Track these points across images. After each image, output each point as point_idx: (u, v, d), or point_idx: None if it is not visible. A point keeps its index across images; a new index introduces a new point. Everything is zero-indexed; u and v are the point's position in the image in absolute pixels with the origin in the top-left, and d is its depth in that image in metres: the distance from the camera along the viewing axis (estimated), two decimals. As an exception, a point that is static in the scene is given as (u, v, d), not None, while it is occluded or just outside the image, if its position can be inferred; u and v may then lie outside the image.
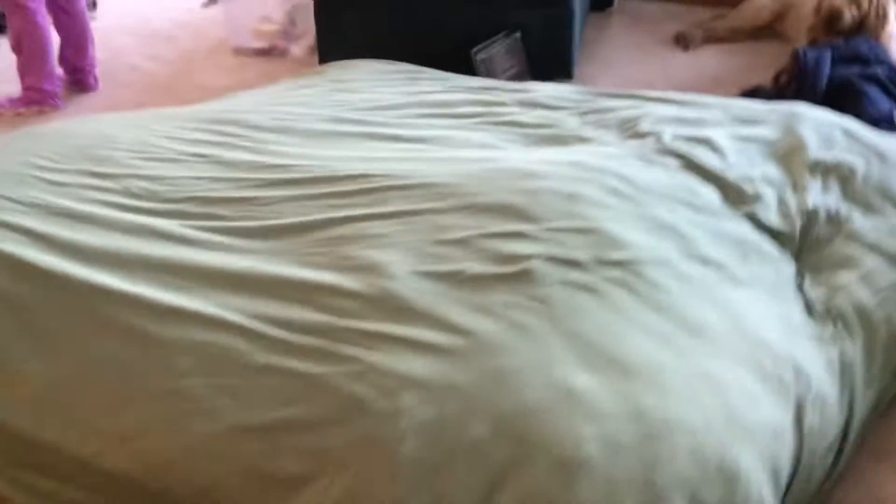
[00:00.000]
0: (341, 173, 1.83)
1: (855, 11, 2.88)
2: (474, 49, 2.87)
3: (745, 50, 3.26)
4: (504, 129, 2.16)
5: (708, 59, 3.22)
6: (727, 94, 2.92)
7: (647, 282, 1.45)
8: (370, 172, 1.82)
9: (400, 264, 1.49)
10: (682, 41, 3.33)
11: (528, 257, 1.48)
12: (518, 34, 3.00)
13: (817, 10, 3.01)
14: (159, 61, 3.42)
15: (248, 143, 1.94)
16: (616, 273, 1.46)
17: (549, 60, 3.09)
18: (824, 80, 2.50)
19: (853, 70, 2.55)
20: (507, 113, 2.26)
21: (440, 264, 1.49)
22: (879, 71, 2.56)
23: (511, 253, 1.50)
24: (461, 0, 3.04)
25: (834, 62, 2.59)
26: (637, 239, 1.57)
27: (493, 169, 1.79)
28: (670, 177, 1.87)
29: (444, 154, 1.94)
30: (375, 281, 1.45)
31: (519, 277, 1.45)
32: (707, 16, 3.48)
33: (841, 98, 2.50)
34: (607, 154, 1.94)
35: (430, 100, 2.36)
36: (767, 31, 3.33)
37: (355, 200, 1.74)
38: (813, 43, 2.95)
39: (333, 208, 1.72)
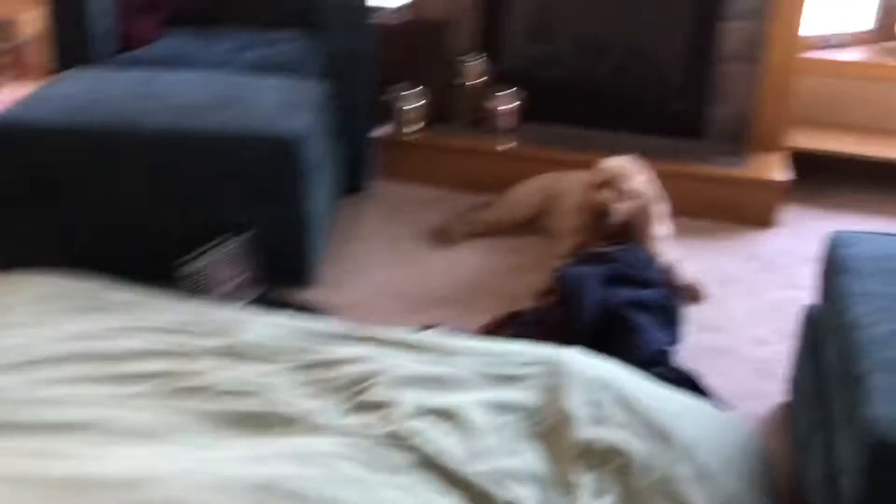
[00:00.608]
0: None
1: (624, 207, 2.63)
2: (182, 259, 2.32)
3: (508, 247, 2.93)
4: (187, 402, 1.61)
5: (468, 258, 2.86)
6: (488, 304, 2.55)
7: None
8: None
9: None
10: (442, 236, 2.96)
11: None
12: (245, 237, 2.49)
13: (582, 208, 2.74)
14: None
15: None
16: None
17: (285, 266, 2.60)
18: (590, 310, 2.16)
19: (623, 295, 2.23)
20: (197, 372, 1.71)
21: None
22: (650, 296, 2.26)
23: None
24: (173, 196, 2.50)
25: (601, 283, 2.27)
26: None
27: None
28: (402, 490, 1.38)
29: (72, 467, 1.35)
30: None
31: None
32: (468, 204, 3.15)
33: (611, 330, 2.16)
34: (317, 456, 1.42)
35: (99, 349, 1.78)
36: (533, 225, 3.03)
37: None
38: (579, 247, 2.66)
39: None
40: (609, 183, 2.67)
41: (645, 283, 2.32)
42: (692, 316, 2.50)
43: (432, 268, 2.79)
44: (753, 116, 3.34)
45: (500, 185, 3.14)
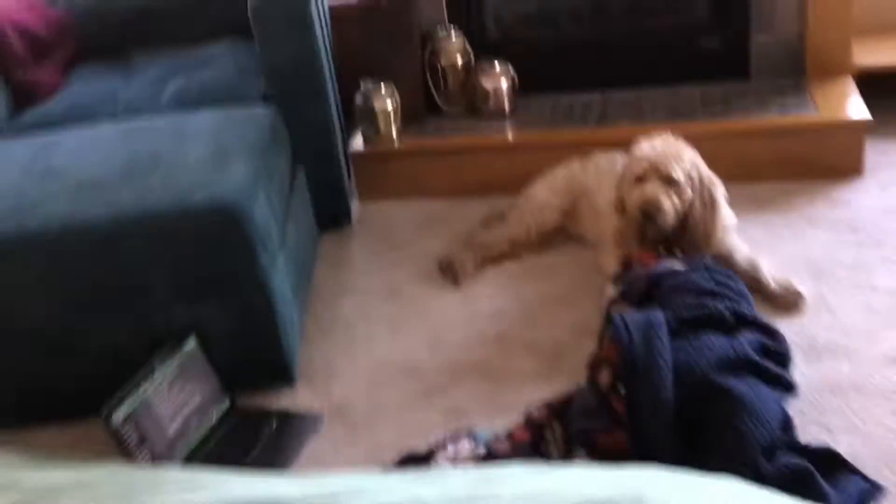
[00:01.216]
0: None
1: (676, 200, 2.01)
2: (106, 408, 1.69)
3: (535, 272, 2.31)
4: None
5: (488, 296, 2.24)
6: (525, 364, 1.98)
7: None
8: None
9: None
10: (450, 272, 2.34)
11: None
12: (192, 343, 1.90)
13: (620, 205, 2.12)
14: None
15: None
16: None
17: (252, 367, 2.00)
18: (669, 383, 1.53)
19: (710, 351, 1.59)
20: None
21: None
22: (748, 343, 1.63)
23: None
24: (90, 306, 1.90)
25: (674, 331, 1.65)
26: None
27: None
28: None
29: None
30: None
31: None
32: (473, 218, 2.52)
33: (702, 406, 1.54)
34: None
35: None
36: (560, 234, 2.41)
37: None
38: (627, 263, 2.04)
39: None
40: (651, 172, 2.04)
41: (740, 322, 1.68)
42: (791, 335, 1.87)
43: (444, 320, 2.18)
44: (806, 39, 2.66)
45: (509, 182, 2.53)
